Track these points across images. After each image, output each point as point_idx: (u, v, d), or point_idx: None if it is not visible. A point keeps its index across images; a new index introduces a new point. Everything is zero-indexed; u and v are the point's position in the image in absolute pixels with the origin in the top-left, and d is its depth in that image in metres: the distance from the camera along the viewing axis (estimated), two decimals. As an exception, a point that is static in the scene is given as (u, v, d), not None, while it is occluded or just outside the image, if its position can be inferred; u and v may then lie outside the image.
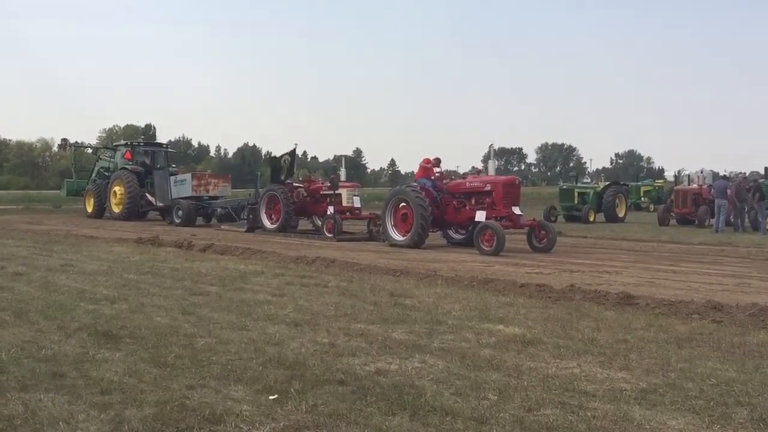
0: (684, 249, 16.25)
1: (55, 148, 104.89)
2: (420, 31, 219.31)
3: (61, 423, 3.92)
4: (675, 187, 30.81)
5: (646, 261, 13.31)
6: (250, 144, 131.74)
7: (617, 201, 29.55)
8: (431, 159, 17.03)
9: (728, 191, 22.74)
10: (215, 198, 26.02)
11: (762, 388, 4.65)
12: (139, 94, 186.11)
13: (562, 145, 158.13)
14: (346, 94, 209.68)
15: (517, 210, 15.48)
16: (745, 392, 4.57)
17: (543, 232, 15.31)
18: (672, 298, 8.22)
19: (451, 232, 17.27)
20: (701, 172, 29.04)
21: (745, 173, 32.27)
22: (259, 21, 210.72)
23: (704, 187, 26.40)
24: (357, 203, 20.21)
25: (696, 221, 25.12)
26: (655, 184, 46.56)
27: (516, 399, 4.42)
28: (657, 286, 9.62)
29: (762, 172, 26.50)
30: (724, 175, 27.02)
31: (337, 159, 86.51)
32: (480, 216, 15.11)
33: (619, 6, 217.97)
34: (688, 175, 32.57)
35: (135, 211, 27.25)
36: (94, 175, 31.38)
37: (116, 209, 27.62)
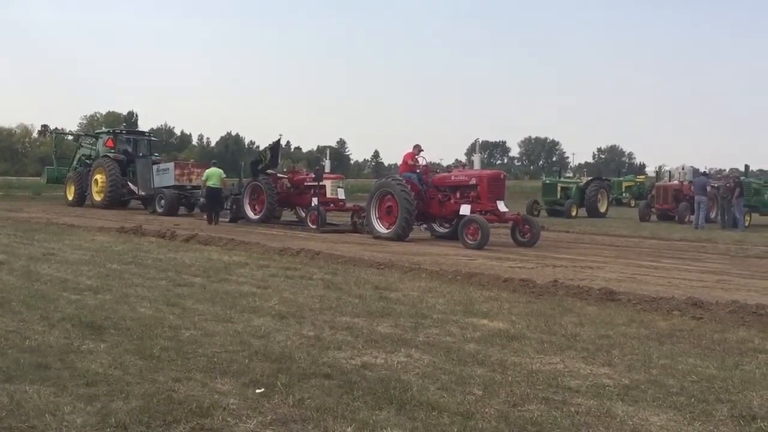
0: (665, 245, 16.45)
1: (35, 134, 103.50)
2: (405, 22, 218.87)
3: (47, 415, 3.89)
4: (656, 183, 31.11)
5: (627, 256, 13.45)
6: (233, 133, 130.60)
7: (599, 196, 29.79)
8: (413, 149, 16.91)
9: (708, 188, 22.98)
10: (198, 187, 25.87)
11: (742, 385, 4.73)
12: (121, 81, 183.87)
13: (545, 139, 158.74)
14: (331, 84, 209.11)
15: (501, 204, 15.56)
16: (726, 389, 4.65)
17: (527, 226, 15.43)
18: (653, 294, 8.33)
19: (435, 226, 17.33)
20: (682, 168, 29.33)
21: (724, 170, 32.58)
22: (243, 9, 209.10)
23: (685, 183, 26.68)
24: (341, 195, 20.23)
25: (676, 217, 25.39)
26: (637, 180, 46.94)
27: (501, 394, 4.46)
28: (638, 281, 9.73)
29: (742, 168, 26.79)
30: (705, 172, 27.29)
31: (322, 150, 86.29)
32: (465, 210, 15.17)
33: (604, 3, 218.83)
34: (669, 171, 32.89)
35: (116, 200, 27.05)
36: (75, 162, 31.13)
37: (97, 197, 27.41)
